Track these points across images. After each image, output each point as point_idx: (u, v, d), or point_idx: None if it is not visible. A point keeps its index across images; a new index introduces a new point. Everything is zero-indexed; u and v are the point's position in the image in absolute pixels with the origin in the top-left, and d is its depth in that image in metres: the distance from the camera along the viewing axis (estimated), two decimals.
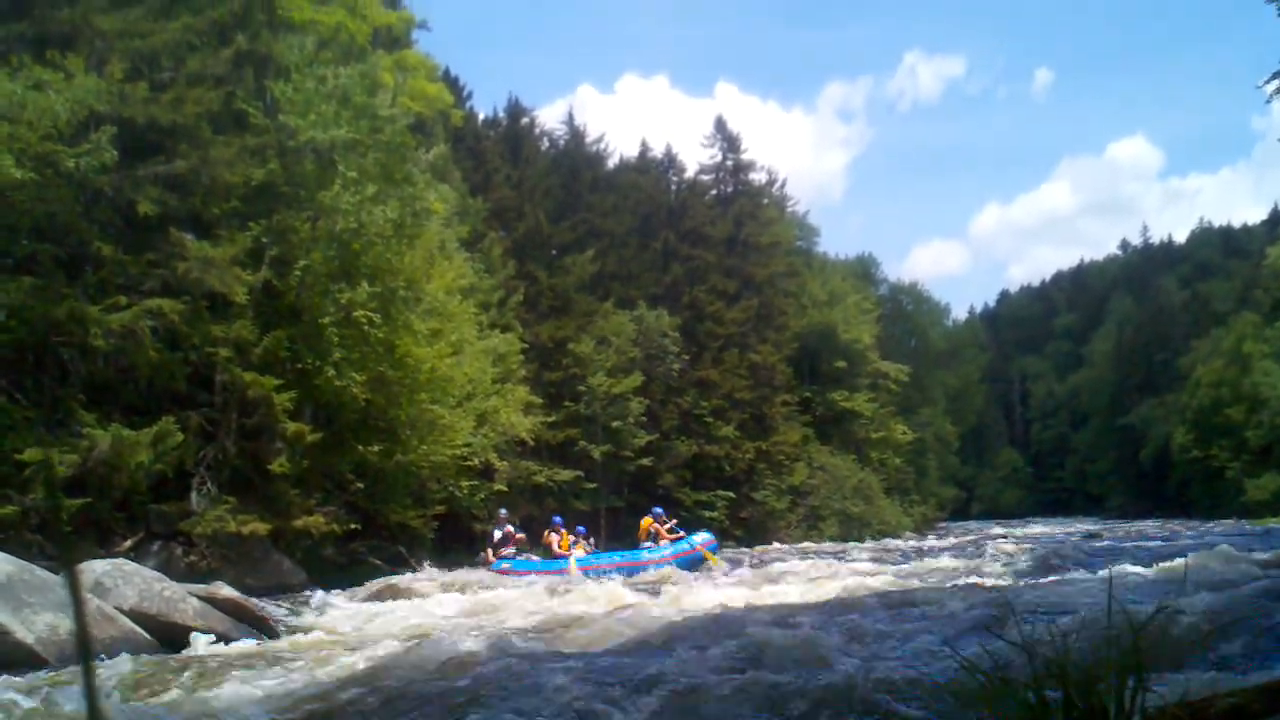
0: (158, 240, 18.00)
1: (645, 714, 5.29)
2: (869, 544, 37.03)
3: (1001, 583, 12.60)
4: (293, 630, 11.57)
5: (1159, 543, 23.69)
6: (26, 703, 6.91)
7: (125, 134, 17.32)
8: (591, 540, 23.24)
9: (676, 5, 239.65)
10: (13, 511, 14.93)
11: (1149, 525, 43.85)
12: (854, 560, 21.58)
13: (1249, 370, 57.50)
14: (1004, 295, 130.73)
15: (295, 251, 20.22)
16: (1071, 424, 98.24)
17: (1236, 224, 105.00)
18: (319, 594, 15.59)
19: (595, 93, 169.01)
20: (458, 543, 26.98)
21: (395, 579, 18.23)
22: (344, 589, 16.82)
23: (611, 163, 51.16)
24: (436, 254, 26.73)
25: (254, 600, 12.31)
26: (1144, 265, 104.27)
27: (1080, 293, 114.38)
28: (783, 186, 60.52)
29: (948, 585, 11.40)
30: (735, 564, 22.42)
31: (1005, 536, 33.34)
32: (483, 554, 21.91)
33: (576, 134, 49.66)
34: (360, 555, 21.98)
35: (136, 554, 15.99)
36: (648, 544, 21.63)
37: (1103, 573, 12.23)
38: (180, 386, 18.15)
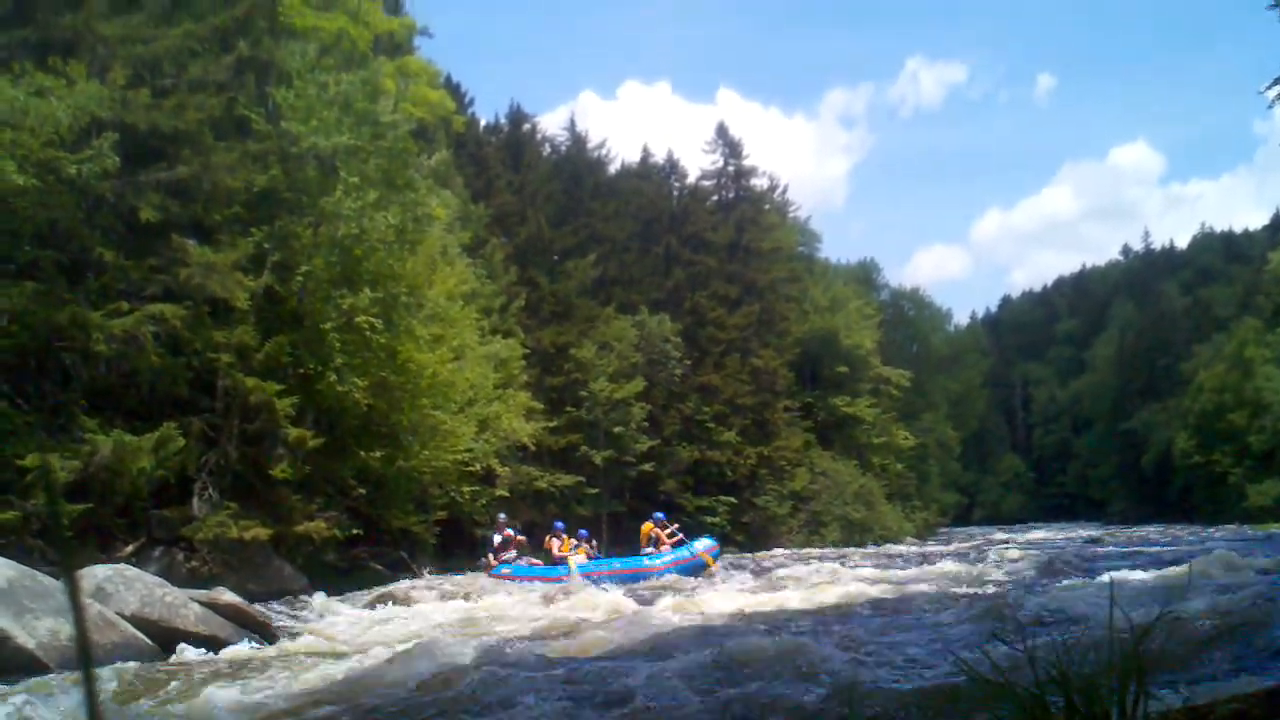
0: (160, 246, 18.00)
1: None
2: (870, 549, 36.99)
3: (1003, 588, 12.59)
4: (294, 636, 11.57)
5: (1161, 548, 23.67)
6: (27, 708, 6.90)
7: (127, 140, 17.32)
8: (594, 543, 23.21)
9: (678, 12, 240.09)
10: (14, 517, 14.92)
11: (1151, 531, 43.81)
12: (855, 566, 21.56)
13: (1251, 375, 57.44)
14: (1006, 300, 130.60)
15: (297, 257, 20.22)
16: (1073, 429, 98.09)
17: (1238, 229, 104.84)
18: (320, 599, 15.58)
19: (597, 99, 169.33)
20: (459, 548, 26.97)
21: (395, 585, 18.22)
22: (345, 594, 16.83)
23: (613, 168, 51.33)
24: (438, 259, 26.75)
25: (255, 606, 12.31)
26: (1146, 270, 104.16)
27: (1082, 298, 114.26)
28: (784, 192, 60.65)
29: (949, 591, 11.39)
30: (737, 569, 22.40)
31: (1007, 542, 33.30)
32: (484, 559, 21.90)
33: (578, 140, 49.76)
34: (362, 561, 21.97)
35: (138, 559, 15.97)
36: (649, 549, 21.60)
37: (1104, 578, 12.23)
38: (182, 392, 18.14)
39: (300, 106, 20.25)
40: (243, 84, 20.28)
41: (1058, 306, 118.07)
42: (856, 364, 54.73)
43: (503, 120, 47.18)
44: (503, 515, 23.12)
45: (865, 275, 72.81)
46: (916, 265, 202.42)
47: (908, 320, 76.77)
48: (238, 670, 8.71)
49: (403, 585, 18.38)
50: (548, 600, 14.61)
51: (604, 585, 17.07)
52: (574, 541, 21.91)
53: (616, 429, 37.41)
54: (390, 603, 15.22)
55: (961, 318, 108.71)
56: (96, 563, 11.94)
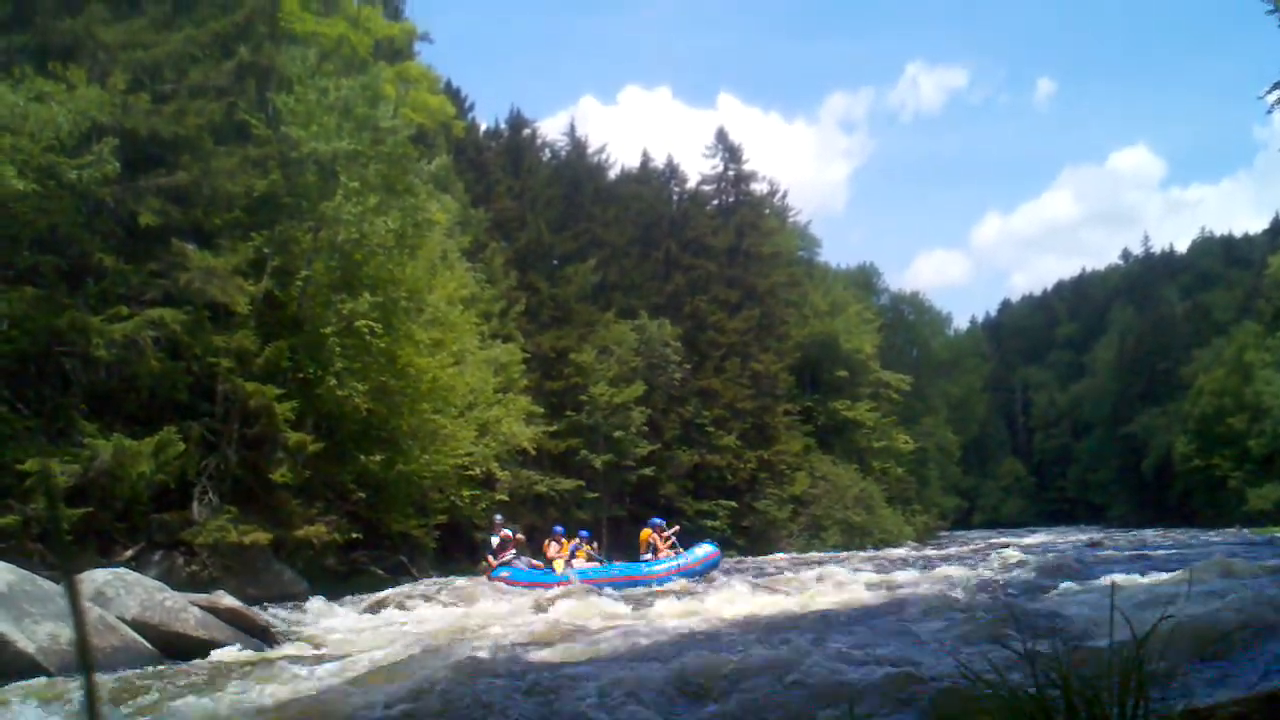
0: (160, 251, 18.02)
1: None
2: (870, 553, 36.95)
3: (1004, 592, 12.58)
4: (293, 640, 11.56)
5: (1161, 552, 23.66)
6: (28, 712, 6.90)
7: (127, 145, 17.34)
8: (595, 544, 23.17)
9: (679, 17, 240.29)
10: (14, 521, 14.93)
11: (1151, 535, 43.78)
12: (855, 570, 21.54)
13: (1251, 379, 57.50)
14: (1005, 305, 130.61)
15: (297, 262, 20.25)
16: (1073, 433, 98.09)
17: (1238, 234, 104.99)
18: (319, 603, 15.56)
19: (597, 104, 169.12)
20: (459, 552, 26.97)
21: (394, 590, 18.19)
22: (345, 599, 16.81)
23: (613, 173, 51.34)
24: (438, 264, 26.77)
25: (255, 610, 12.30)
26: (1145, 275, 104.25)
27: (1082, 302, 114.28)
28: (784, 197, 60.75)
29: (949, 595, 11.39)
30: (736, 574, 22.38)
31: (1007, 546, 33.27)
32: (484, 562, 21.86)
33: (578, 145, 49.79)
34: (362, 565, 21.96)
35: (138, 564, 15.96)
36: (647, 556, 21.58)
37: (1104, 582, 12.23)
38: (182, 396, 18.14)
39: (300, 111, 20.28)
40: (243, 89, 20.31)
41: (1058, 311, 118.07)
42: (856, 368, 54.74)
43: (503, 125, 47.28)
44: (499, 516, 23.04)
45: (865, 279, 72.84)
46: (916, 270, 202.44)
47: (908, 324, 76.80)
48: (237, 674, 8.71)
49: (402, 590, 18.36)
50: (544, 606, 14.59)
51: (604, 591, 17.05)
52: (575, 543, 21.86)
53: (616, 433, 37.42)
54: (389, 607, 15.20)
55: (961, 322, 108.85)
56: (96, 567, 11.93)
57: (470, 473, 25.62)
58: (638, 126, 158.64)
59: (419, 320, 23.12)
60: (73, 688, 8.03)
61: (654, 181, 51.48)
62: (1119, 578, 13.18)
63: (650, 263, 46.77)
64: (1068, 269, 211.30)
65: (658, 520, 22.87)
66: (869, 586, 15.65)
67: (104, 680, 8.48)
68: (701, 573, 20.55)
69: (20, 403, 16.45)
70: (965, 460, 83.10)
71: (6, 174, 15.41)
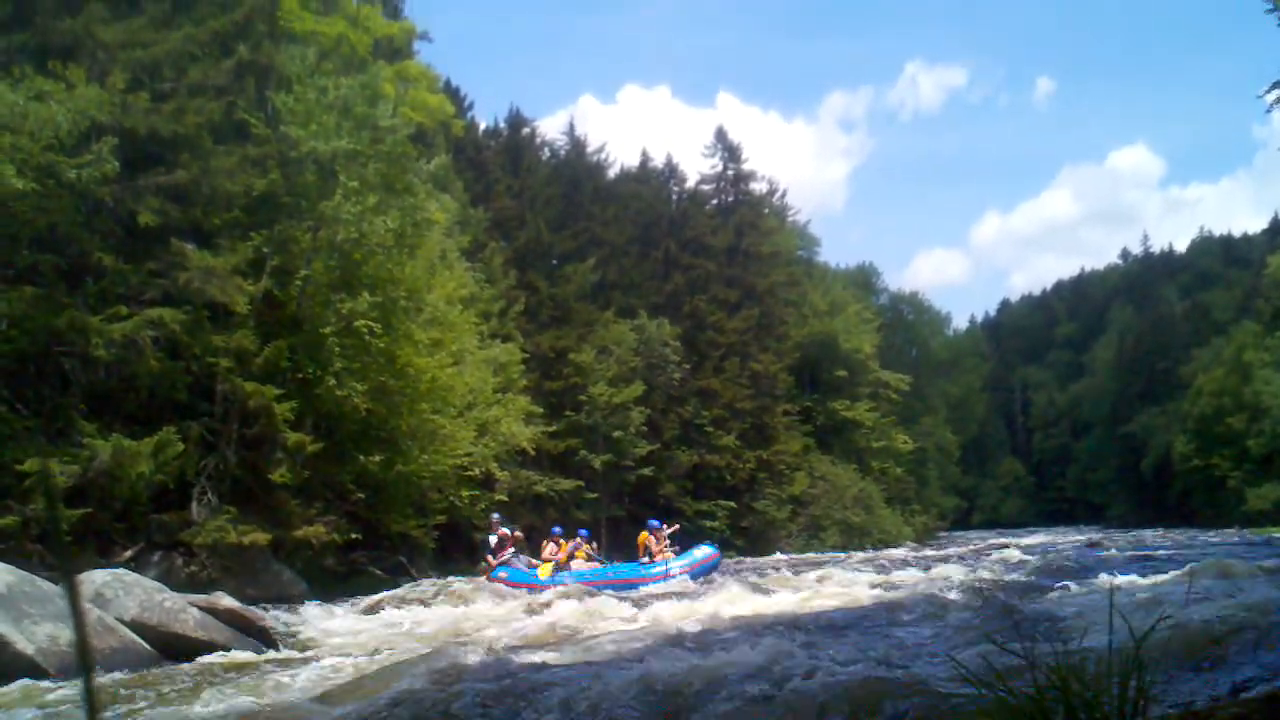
0: (159, 250, 18.02)
1: None
2: (870, 553, 36.96)
3: (1003, 593, 12.57)
4: (292, 641, 11.56)
5: (1160, 552, 23.65)
6: (27, 714, 6.90)
7: (126, 144, 17.35)
8: (594, 544, 23.12)
9: (678, 16, 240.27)
10: (13, 522, 14.93)
11: (1150, 535, 43.77)
12: (854, 570, 21.54)
13: (1250, 379, 57.48)
14: (1005, 304, 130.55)
15: (296, 261, 20.25)
16: (1073, 433, 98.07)
17: (1237, 233, 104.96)
18: (318, 604, 15.56)
19: (596, 103, 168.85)
20: (458, 552, 26.96)
21: (393, 591, 18.19)
22: (344, 599, 16.81)
23: (612, 173, 51.34)
24: (437, 264, 26.76)
25: (254, 610, 12.29)
26: (1145, 274, 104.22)
27: (1081, 302, 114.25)
28: (783, 196, 60.77)
29: (948, 596, 11.39)
30: (735, 574, 22.37)
31: (1007, 546, 33.28)
32: (483, 563, 21.83)
33: (577, 144, 49.79)
34: (361, 565, 21.96)
35: (137, 564, 15.96)
36: (644, 559, 21.51)
37: (1103, 581, 12.23)
38: (181, 396, 18.15)
39: (300, 111, 20.28)
40: (242, 88, 20.31)
41: (1057, 310, 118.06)
42: (856, 368, 54.75)
43: (502, 124, 47.28)
44: (496, 515, 23.00)
45: (864, 279, 72.83)
46: (916, 269, 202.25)
47: (907, 324, 76.80)
48: (236, 675, 8.71)
49: (400, 590, 18.36)
50: (540, 609, 14.59)
51: (601, 593, 17.01)
52: (574, 543, 21.80)
53: (615, 433, 37.42)
54: (388, 608, 15.20)
55: (961, 322, 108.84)
56: (95, 567, 11.93)
57: (469, 473, 25.62)
58: (637, 125, 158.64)
59: (418, 320, 23.12)
60: (72, 689, 8.03)
61: (653, 181, 51.48)
62: (1118, 578, 13.18)
63: (649, 262, 46.78)
64: (1067, 268, 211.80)
65: (654, 523, 22.75)
66: (867, 587, 15.64)
67: (102, 681, 8.48)
68: (700, 574, 20.47)
69: (19, 403, 16.45)
70: (964, 460, 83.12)
71: (6, 173, 15.42)
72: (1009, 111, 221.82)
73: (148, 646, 10.17)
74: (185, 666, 9.63)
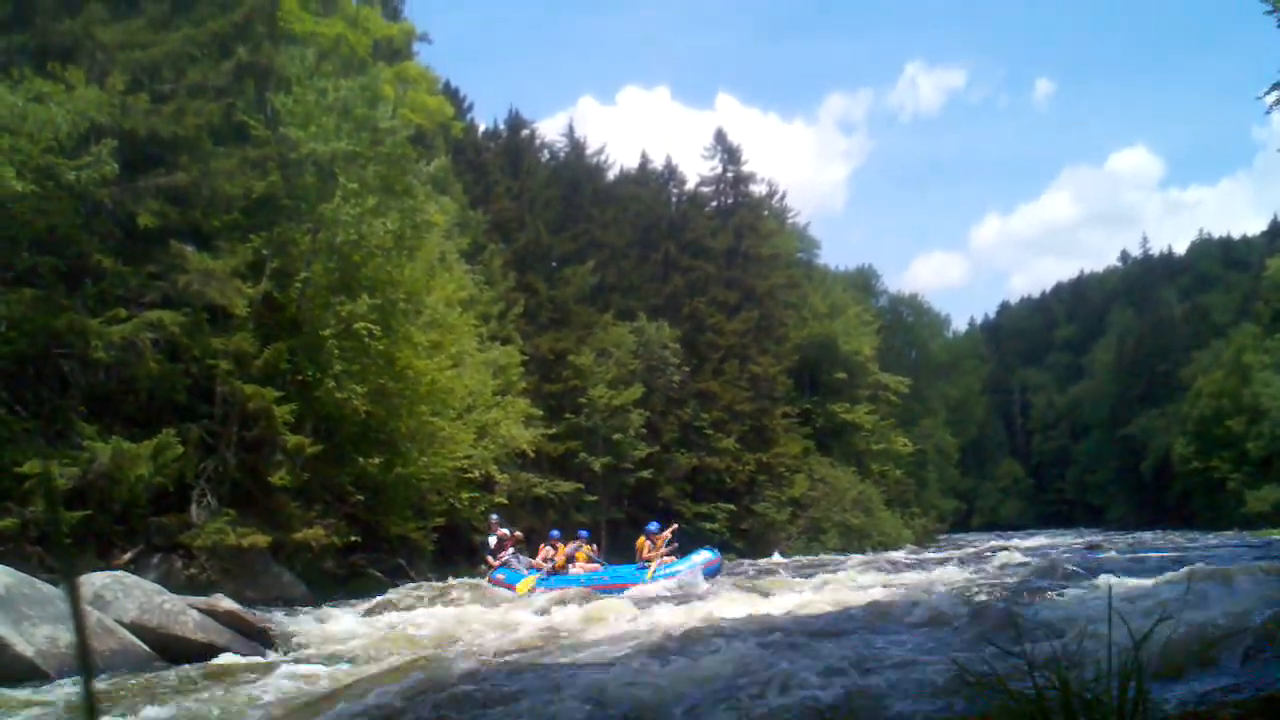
0: (158, 252, 18.02)
1: None
2: (869, 556, 36.94)
3: (1002, 595, 12.57)
4: (292, 643, 11.55)
5: (1160, 554, 23.64)
6: (26, 715, 6.90)
7: (126, 146, 17.35)
8: (594, 546, 23.04)
9: (678, 18, 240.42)
10: (13, 524, 14.92)
11: (1150, 537, 43.77)
12: (853, 572, 21.53)
13: (1249, 381, 57.51)
14: (1004, 306, 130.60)
15: (296, 263, 20.25)
16: (1072, 435, 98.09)
17: (1236, 235, 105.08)
18: (316, 608, 15.56)
19: (596, 105, 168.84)
20: (458, 554, 26.95)
21: (392, 593, 18.18)
22: (344, 601, 16.80)
23: (612, 174, 51.37)
24: (437, 266, 26.77)
25: (253, 613, 12.29)
26: (1144, 276, 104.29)
27: (1081, 304, 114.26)
28: (783, 198, 60.80)
29: (948, 597, 11.38)
30: (733, 576, 22.36)
31: (1006, 548, 33.29)
32: (483, 564, 21.80)
33: (577, 146, 49.81)
34: (360, 567, 21.95)
35: (136, 566, 15.96)
36: (643, 562, 21.37)
37: (1103, 584, 12.23)
38: (180, 399, 18.15)
39: (299, 112, 20.29)
40: (241, 90, 20.31)
41: (1056, 312, 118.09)
42: (855, 370, 54.77)
43: (501, 126, 47.28)
44: (494, 515, 22.96)
45: (864, 281, 72.89)
46: (915, 271, 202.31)
47: (907, 326, 76.85)
48: (236, 677, 8.70)
49: (400, 592, 18.35)
50: (538, 609, 14.59)
51: (603, 595, 16.97)
52: (573, 545, 21.73)
53: (615, 436, 37.41)
54: (387, 610, 15.18)
55: (960, 324, 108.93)
56: (95, 570, 11.92)
57: (469, 475, 25.61)
58: (636, 127, 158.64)
59: (417, 322, 23.11)
60: (71, 691, 8.02)
61: (653, 183, 51.50)
62: (1117, 580, 13.17)
63: (649, 264, 46.78)
64: (1066, 270, 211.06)
65: (652, 526, 22.51)
66: (867, 589, 15.62)
67: (101, 683, 8.47)
68: (699, 578, 20.29)
69: (19, 405, 16.45)
70: (964, 462, 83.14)
71: (5, 175, 15.42)
72: (1008, 113, 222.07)
73: (147, 649, 10.16)
74: (184, 669, 9.62)
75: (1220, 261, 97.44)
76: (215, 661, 10.03)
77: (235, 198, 19.10)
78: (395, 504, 22.80)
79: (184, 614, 10.79)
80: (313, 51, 22.91)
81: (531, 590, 19.28)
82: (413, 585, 20.32)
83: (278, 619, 13.37)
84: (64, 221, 16.84)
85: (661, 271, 46.98)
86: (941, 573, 19.72)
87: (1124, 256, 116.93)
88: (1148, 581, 12.79)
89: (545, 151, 48.97)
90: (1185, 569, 14.54)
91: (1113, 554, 25.26)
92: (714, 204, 52.59)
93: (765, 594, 15.53)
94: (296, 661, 9.80)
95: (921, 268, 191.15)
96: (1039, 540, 44.95)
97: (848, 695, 5.44)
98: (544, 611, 14.20)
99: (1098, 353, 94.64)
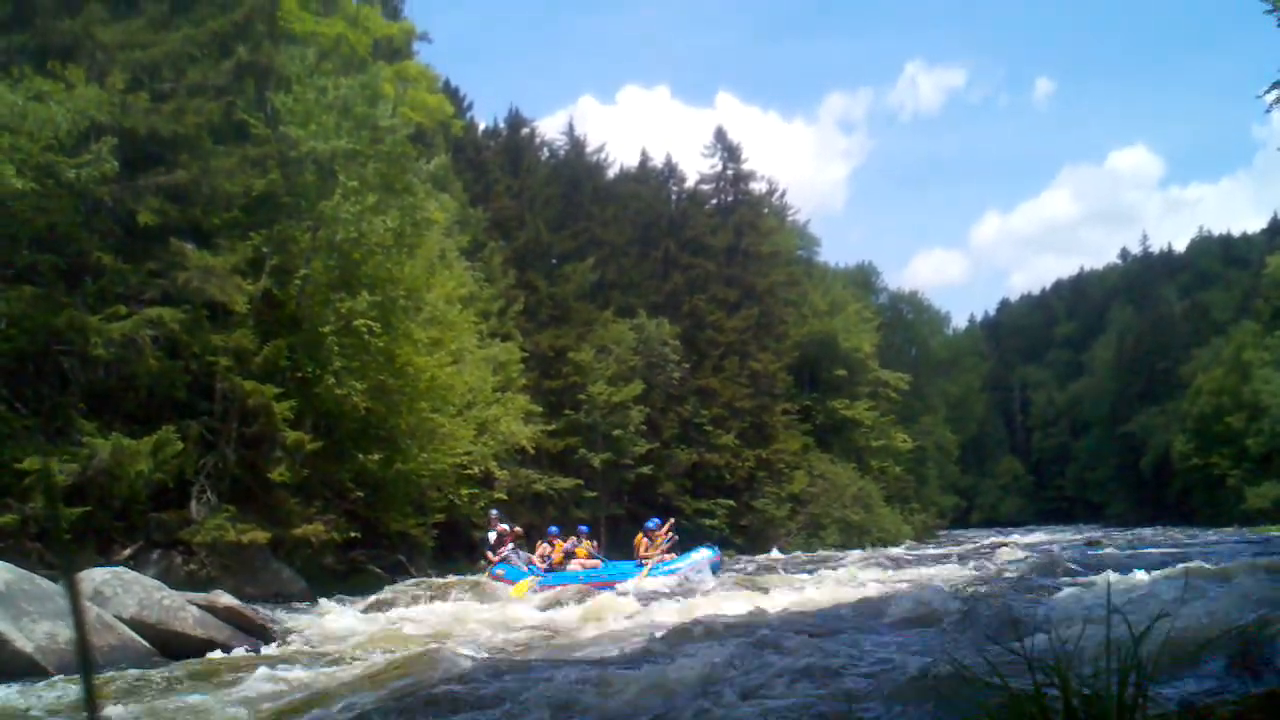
0: (158, 250, 18.02)
1: None
2: (869, 552, 36.97)
3: (1001, 591, 12.58)
4: (291, 639, 11.56)
5: (1159, 551, 23.67)
6: (26, 712, 6.90)
7: (126, 144, 17.34)
8: (594, 542, 23.01)
9: (678, 16, 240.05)
10: (12, 520, 14.93)
11: (1149, 533, 43.83)
12: (852, 568, 21.54)
13: (1249, 379, 57.52)
14: (1004, 304, 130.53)
15: (295, 261, 20.25)
16: (1072, 432, 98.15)
17: (1236, 233, 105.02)
18: (315, 604, 15.57)
19: (596, 103, 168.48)
20: (458, 550, 26.96)
21: (392, 589, 18.19)
22: (343, 597, 16.81)
23: (612, 172, 51.39)
24: (437, 263, 26.77)
25: (253, 608, 12.30)
26: (1144, 274, 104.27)
27: (1080, 301, 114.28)
28: (783, 196, 60.79)
29: (947, 593, 11.39)
30: (732, 573, 22.37)
31: (1006, 544, 33.31)
32: (483, 560, 21.79)
33: (577, 144, 49.82)
34: (360, 564, 21.96)
35: (136, 563, 15.96)
36: (639, 561, 21.33)
37: (1102, 581, 12.23)
38: (180, 395, 18.15)
39: (299, 111, 20.28)
40: (241, 89, 20.31)
41: (1056, 310, 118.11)
42: (855, 367, 54.79)
43: (501, 124, 47.30)
44: (494, 511, 22.94)
45: (864, 279, 72.89)
46: (915, 269, 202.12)
47: (906, 323, 76.86)
48: (235, 673, 8.71)
49: (399, 589, 18.36)
50: (541, 606, 14.62)
51: (601, 591, 16.95)
52: (571, 540, 21.68)
53: (615, 432, 37.44)
54: (387, 607, 15.20)
55: (960, 321, 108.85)
56: (94, 566, 11.94)
57: (469, 471, 25.63)
58: (636, 126, 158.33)
59: (417, 319, 23.12)
60: (71, 687, 8.03)
61: (652, 181, 51.50)
62: (1117, 577, 13.18)
63: (649, 262, 46.80)
64: (1066, 268, 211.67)
65: (650, 524, 22.39)
66: (866, 585, 15.65)
67: (101, 679, 8.48)
68: (697, 575, 20.24)
69: (19, 402, 16.46)
70: (963, 459, 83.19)
71: (6, 173, 15.42)
72: (1009, 112, 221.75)
73: (146, 644, 10.17)
74: (184, 664, 9.63)
75: (1220, 259, 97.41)
76: (214, 657, 10.04)
77: (235, 195, 19.10)
78: (395, 500, 22.81)
79: (183, 610, 10.80)
80: (313, 51, 22.89)
81: (533, 590, 19.25)
82: (412, 581, 20.33)
83: (277, 615, 13.38)
84: (64, 219, 16.84)
85: (661, 269, 47.00)
86: (941, 569, 19.74)
87: (1124, 254, 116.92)
88: (1147, 578, 12.80)
89: (545, 150, 49.02)
90: (1184, 565, 14.57)
91: (1112, 550, 25.29)
92: (714, 201, 52.61)
93: (762, 591, 15.55)
94: (295, 657, 9.81)
95: (921, 265, 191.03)
96: (1038, 536, 44.98)
97: (847, 692, 5.45)
98: (540, 609, 14.23)
99: (1098, 350, 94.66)
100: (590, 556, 21.41)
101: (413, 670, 7.50)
